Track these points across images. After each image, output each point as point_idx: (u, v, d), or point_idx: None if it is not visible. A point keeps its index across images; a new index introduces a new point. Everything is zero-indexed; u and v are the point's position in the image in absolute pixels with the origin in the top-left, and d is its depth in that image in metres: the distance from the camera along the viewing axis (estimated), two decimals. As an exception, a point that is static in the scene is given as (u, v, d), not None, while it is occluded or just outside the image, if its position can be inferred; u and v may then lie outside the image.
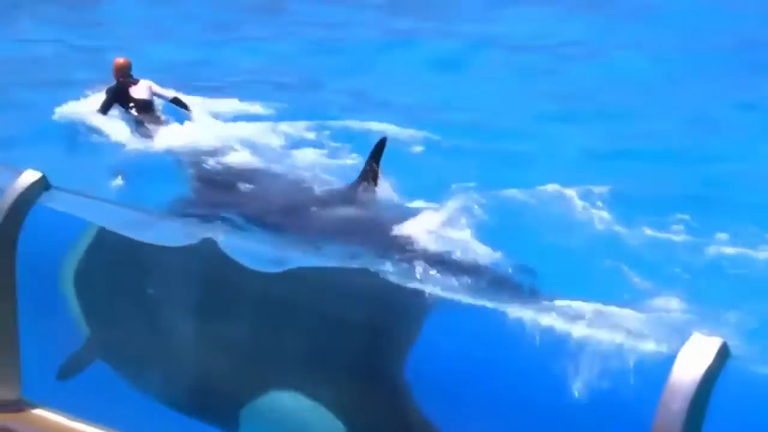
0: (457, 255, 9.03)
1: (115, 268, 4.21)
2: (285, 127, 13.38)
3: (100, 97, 13.22)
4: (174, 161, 12.15)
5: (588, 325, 3.09)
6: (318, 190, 10.93)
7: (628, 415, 2.87)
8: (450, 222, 9.45)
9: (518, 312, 3.20)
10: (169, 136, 12.77)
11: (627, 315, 6.51)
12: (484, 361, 3.30)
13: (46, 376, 3.93)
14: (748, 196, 10.74)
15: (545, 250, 8.94)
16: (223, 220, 9.88)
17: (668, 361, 2.62)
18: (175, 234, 3.98)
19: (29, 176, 3.61)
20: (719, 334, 2.71)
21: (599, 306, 6.32)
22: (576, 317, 3.22)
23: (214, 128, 13.13)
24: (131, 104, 13.13)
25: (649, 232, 9.52)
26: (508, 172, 11.12)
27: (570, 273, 8.24)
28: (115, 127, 12.96)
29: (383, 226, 9.61)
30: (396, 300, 3.45)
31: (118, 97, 13.15)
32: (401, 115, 13.64)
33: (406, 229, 9.49)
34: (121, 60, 13.44)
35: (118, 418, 3.30)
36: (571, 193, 10.10)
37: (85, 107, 13.25)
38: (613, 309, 6.61)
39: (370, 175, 10.47)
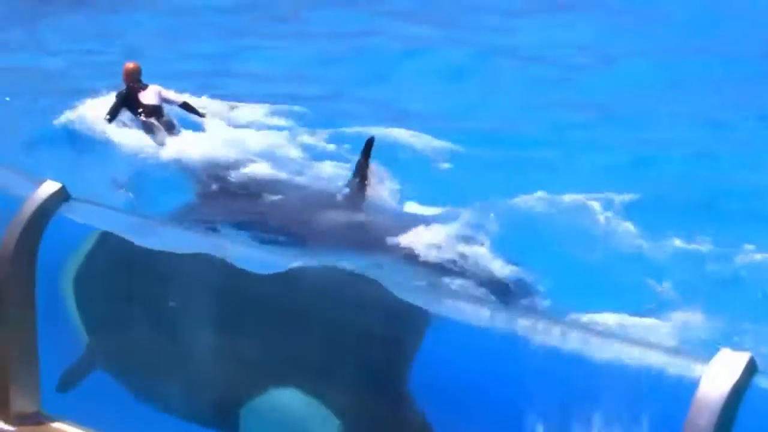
0: (474, 264, 8.99)
1: (126, 276, 4.17)
2: (299, 135, 13.36)
3: (109, 101, 13.17)
4: (182, 168, 12.12)
5: (611, 338, 3.03)
6: (325, 196, 10.93)
7: (655, 430, 2.83)
8: (468, 231, 9.40)
9: (535, 322, 3.15)
10: (177, 142, 12.72)
11: (652, 328, 6.43)
12: (493, 369, 3.24)
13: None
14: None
15: (566, 260, 8.87)
16: (226, 225, 9.85)
17: (695, 376, 2.59)
18: (188, 243, 3.95)
19: (49, 187, 3.60)
20: (746, 349, 2.67)
21: (623, 318, 6.25)
22: (599, 329, 3.18)
23: (225, 134, 13.04)
24: (140, 109, 13.04)
25: (673, 242, 9.40)
26: (529, 181, 11.04)
27: (592, 284, 8.17)
28: (123, 133, 12.91)
29: (396, 233, 9.56)
30: (400, 304, 3.42)
31: (127, 102, 13.07)
32: (419, 123, 13.61)
33: (423, 236, 9.46)
34: (130, 65, 13.39)
35: (135, 431, 3.28)
36: (593, 202, 10.03)
37: (94, 112, 13.17)
38: (637, 321, 6.54)
39: (361, 175, 10.58)
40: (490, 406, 3.27)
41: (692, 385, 2.57)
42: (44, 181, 3.64)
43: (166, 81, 13.60)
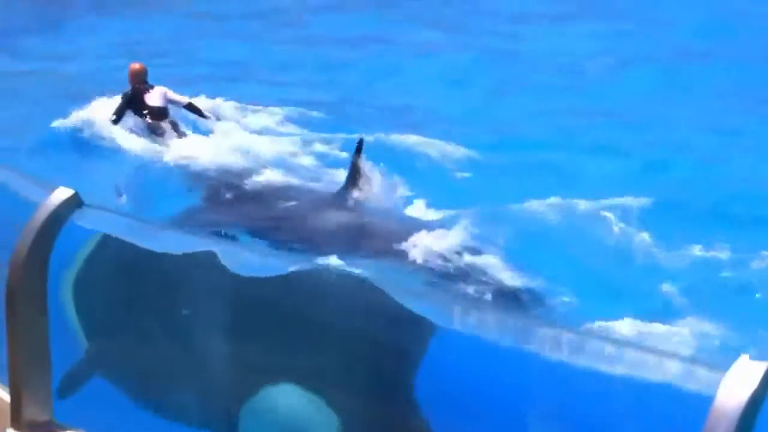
0: (484, 270, 8.94)
1: (123, 280, 4.15)
2: (310, 140, 13.36)
3: (114, 103, 13.17)
4: (186, 170, 12.10)
5: (627, 346, 3.00)
6: (321, 198, 10.93)
7: (672, 440, 2.80)
8: (479, 236, 9.37)
9: (543, 330, 3.12)
10: (184, 146, 12.71)
11: (667, 336, 6.37)
12: (500, 378, 3.21)
13: (77, 397, 3.89)
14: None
15: (579, 266, 8.81)
16: (235, 230, 9.84)
17: (712, 385, 2.56)
18: (195, 248, 3.93)
19: (61, 193, 3.57)
20: (764, 358, 2.65)
21: (638, 325, 6.19)
22: (613, 337, 3.14)
23: (234, 138, 13.03)
24: (145, 111, 13.06)
25: (687, 248, 9.33)
26: (540, 186, 11.00)
27: (606, 292, 8.11)
28: (128, 134, 12.89)
29: (405, 239, 9.54)
30: (404, 311, 3.40)
31: (133, 104, 13.07)
32: (429, 128, 13.59)
33: (434, 241, 9.43)
34: (136, 65, 13.38)
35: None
36: (605, 208, 9.97)
37: (99, 113, 13.16)
38: (652, 329, 6.48)
39: (353, 177, 10.61)
40: (496, 415, 3.23)
41: (709, 394, 2.54)
42: (57, 187, 3.63)
43: (176, 85, 13.62)
